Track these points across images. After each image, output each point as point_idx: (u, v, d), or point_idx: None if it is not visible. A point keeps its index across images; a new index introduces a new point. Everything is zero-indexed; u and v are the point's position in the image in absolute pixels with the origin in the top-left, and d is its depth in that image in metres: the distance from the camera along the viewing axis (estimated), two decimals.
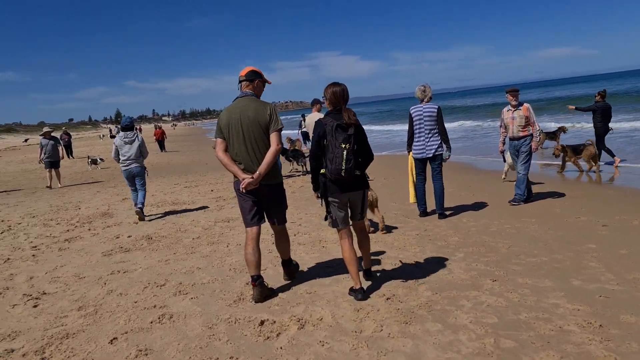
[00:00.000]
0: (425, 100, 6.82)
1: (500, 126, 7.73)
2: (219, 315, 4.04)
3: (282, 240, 4.63)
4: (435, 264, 4.99)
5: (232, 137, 4.23)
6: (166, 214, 8.70)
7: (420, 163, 6.95)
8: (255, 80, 4.37)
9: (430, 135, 6.76)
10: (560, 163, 10.67)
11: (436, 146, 6.76)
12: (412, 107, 6.93)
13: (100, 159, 21.07)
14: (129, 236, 7.09)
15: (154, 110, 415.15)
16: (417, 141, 6.85)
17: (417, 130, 6.83)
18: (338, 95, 4.14)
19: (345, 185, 4.13)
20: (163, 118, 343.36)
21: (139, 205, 8.12)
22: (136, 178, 8.24)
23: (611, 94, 24.21)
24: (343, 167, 3.95)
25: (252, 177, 4.11)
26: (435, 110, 6.74)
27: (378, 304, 4.05)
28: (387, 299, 4.14)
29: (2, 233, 7.80)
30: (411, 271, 4.83)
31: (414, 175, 7.08)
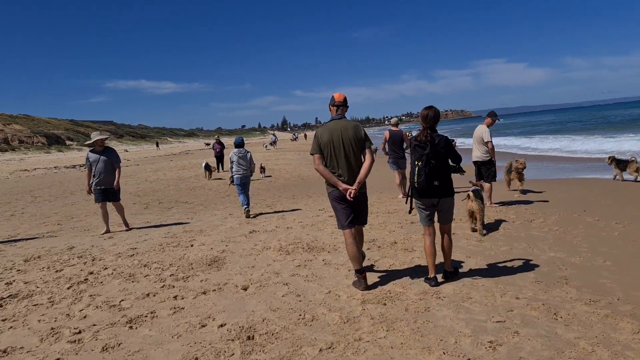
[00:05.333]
0: None
1: None
2: None
3: (360, 237, 5.31)
4: None
5: (334, 152, 4.89)
6: (296, 269, 5.82)
7: None
8: (347, 105, 5.11)
9: None
10: None
11: None
12: None
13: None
14: (221, 325, 4.24)
15: (316, 118, 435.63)
16: None
17: None
18: (424, 118, 4.85)
19: (423, 193, 4.83)
20: None
21: (246, 207, 9.92)
22: (245, 185, 10.10)
23: None
24: (415, 180, 4.77)
25: (355, 187, 4.81)
26: None
27: None
28: None
29: (69, 288, 5.56)
30: None
31: None
